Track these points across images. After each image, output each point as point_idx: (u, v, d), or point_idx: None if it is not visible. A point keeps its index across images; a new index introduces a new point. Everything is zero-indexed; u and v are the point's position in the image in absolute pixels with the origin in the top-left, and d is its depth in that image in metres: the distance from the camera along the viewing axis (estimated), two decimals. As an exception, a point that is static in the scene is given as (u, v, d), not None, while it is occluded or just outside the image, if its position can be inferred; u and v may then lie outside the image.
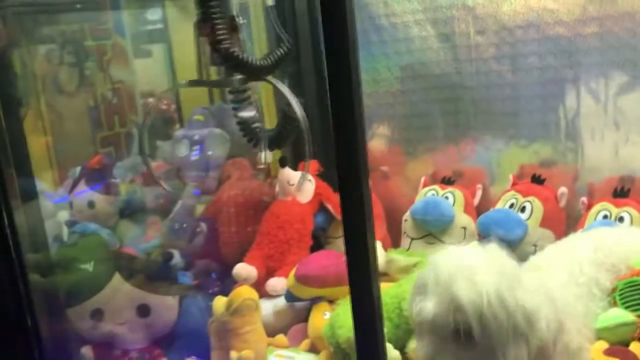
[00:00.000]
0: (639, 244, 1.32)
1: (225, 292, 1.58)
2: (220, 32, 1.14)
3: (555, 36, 1.63)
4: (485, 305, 0.92)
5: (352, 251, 0.84)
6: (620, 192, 1.58)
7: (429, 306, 0.96)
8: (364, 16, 1.87)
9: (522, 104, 1.71)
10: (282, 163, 1.78)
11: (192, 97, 2.66)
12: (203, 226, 1.90)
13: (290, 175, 1.77)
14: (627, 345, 1.16)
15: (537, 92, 1.68)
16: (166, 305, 1.60)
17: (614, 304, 1.21)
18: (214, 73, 1.33)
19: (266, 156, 1.44)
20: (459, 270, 0.96)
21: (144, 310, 1.57)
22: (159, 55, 2.80)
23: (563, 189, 1.65)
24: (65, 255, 1.67)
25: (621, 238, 1.35)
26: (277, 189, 1.82)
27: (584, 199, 1.64)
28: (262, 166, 1.44)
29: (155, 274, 1.70)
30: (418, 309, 0.98)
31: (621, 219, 1.54)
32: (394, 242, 1.84)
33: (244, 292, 1.50)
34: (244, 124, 1.29)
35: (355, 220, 0.82)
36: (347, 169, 0.80)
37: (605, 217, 1.56)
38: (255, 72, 1.22)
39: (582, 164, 1.70)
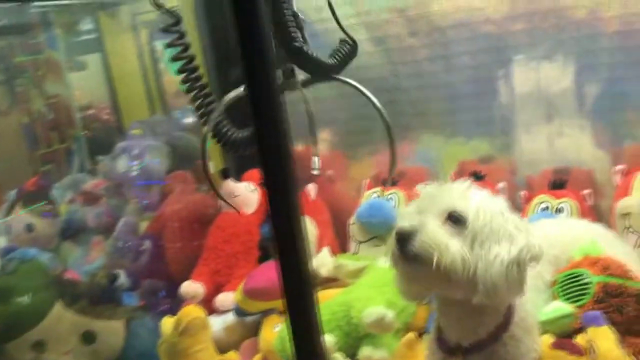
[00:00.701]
0: (579, 234, 1.36)
1: (175, 311, 1.55)
2: (292, 29, 1.06)
3: (486, 34, 1.66)
4: (483, 201, 0.98)
5: (284, 264, 0.82)
6: (558, 184, 1.62)
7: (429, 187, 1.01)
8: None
9: (457, 103, 1.73)
10: (225, 175, 1.75)
11: (133, 108, 2.60)
12: (147, 243, 1.86)
13: (234, 186, 1.75)
14: (570, 337, 1.18)
15: (471, 91, 1.71)
16: (112, 330, 1.55)
17: (555, 297, 1.24)
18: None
19: (318, 161, 1.36)
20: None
21: (89, 337, 1.52)
22: (95, 67, 2.73)
23: (502, 184, 1.68)
24: (4, 284, 1.60)
25: (562, 229, 1.39)
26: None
27: (523, 192, 1.67)
28: (316, 172, 1.36)
29: (99, 297, 1.64)
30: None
31: (560, 210, 1.58)
32: (342, 246, 1.84)
33: (192, 311, 1.47)
34: (215, 128, 1.22)
35: (284, 231, 0.80)
36: (273, 179, 0.77)
37: (544, 209, 1.60)
38: (325, 72, 1.16)
39: (519, 157, 1.73)
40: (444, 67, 1.72)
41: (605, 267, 1.21)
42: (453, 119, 1.75)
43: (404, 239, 0.94)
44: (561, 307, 1.20)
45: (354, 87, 1.19)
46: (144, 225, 1.95)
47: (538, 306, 1.20)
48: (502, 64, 1.67)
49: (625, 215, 1.49)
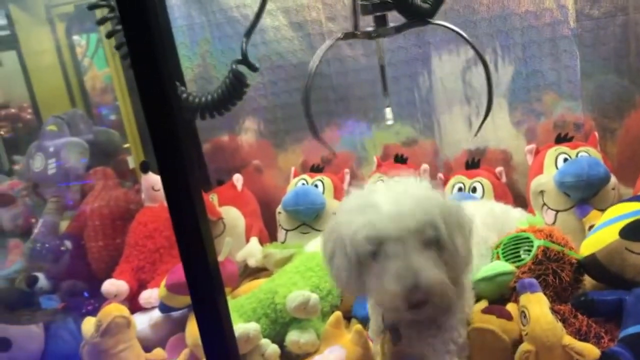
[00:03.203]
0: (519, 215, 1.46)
1: (99, 311, 1.49)
2: None
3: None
4: (442, 206, 1.02)
5: (188, 261, 0.81)
6: (472, 164, 1.65)
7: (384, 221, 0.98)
8: (215, 9, 1.82)
9: (378, 87, 1.73)
10: (144, 168, 1.70)
11: (53, 105, 2.49)
12: (68, 244, 1.79)
13: (155, 180, 1.69)
14: (505, 298, 1.21)
15: (391, 74, 1.72)
16: (29, 335, 1.48)
17: (496, 258, 1.26)
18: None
19: (390, 112, 1.37)
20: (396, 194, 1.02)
21: (3, 344, 1.44)
22: (11, 64, 2.60)
23: (425, 166, 1.70)
24: None
25: (507, 209, 1.47)
26: (143, 196, 1.74)
27: (440, 174, 1.70)
28: (390, 122, 1.35)
29: (15, 302, 1.57)
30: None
31: (474, 189, 1.61)
32: (272, 235, 1.82)
33: (113, 310, 1.42)
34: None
35: (187, 228, 0.78)
36: (172, 177, 0.76)
37: (459, 189, 1.62)
38: (422, 16, 1.16)
39: (440, 139, 1.76)
40: (363, 51, 1.72)
41: (549, 234, 1.25)
42: (375, 104, 1.75)
43: (418, 307, 0.96)
44: (501, 265, 1.22)
45: (453, 30, 1.19)
46: (64, 225, 1.87)
47: (479, 269, 1.23)
48: (420, 46, 1.69)
49: (540, 193, 1.54)
